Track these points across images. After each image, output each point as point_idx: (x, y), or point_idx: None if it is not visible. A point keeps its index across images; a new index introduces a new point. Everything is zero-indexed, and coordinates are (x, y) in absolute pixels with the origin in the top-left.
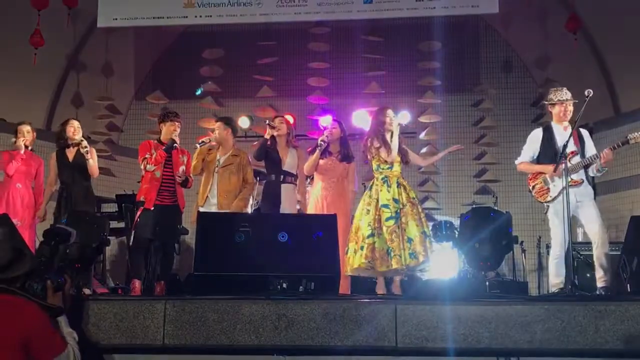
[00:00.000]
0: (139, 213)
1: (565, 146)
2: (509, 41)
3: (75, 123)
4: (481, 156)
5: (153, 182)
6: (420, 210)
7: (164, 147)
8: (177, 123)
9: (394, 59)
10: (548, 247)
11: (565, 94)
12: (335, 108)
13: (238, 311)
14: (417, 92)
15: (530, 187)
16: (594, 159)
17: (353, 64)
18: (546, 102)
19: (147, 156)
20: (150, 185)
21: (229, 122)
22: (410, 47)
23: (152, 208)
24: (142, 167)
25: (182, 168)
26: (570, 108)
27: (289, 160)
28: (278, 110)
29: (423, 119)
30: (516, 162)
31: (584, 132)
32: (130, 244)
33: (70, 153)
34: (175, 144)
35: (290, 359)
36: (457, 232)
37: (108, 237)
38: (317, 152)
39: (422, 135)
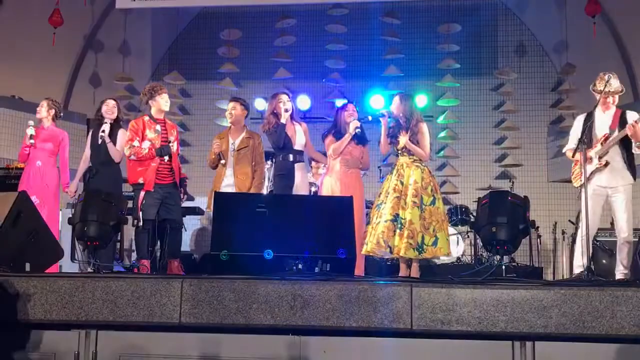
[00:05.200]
0: (142, 194)
1: (583, 131)
2: (528, 25)
3: (111, 102)
4: (500, 141)
5: (150, 164)
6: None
7: (159, 152)
8: (165, 90)
9: (413, 41)
10: (564, 232)
11: (598, 84)
12: (352, 90)
13: (254, 291)
14: (435, 75)
15: (572, 172)
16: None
17: (371, 46)
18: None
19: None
20: (147, 167)
21: (245, 103)
22: (429, 29)
23: (153, 190)
24: (145, 150)
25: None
26: (597, 97)
27: (298, 139)
28: (295, 92)
29: (441, 103)
30: (563, 150)
31: (631, 115)
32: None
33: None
34: (169, 152)
35: (306, 339)
36: (472, 216)
37: (126, 216)
38: (348, 137)
39: (440, 119)
